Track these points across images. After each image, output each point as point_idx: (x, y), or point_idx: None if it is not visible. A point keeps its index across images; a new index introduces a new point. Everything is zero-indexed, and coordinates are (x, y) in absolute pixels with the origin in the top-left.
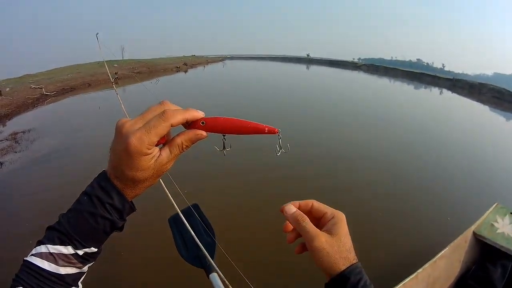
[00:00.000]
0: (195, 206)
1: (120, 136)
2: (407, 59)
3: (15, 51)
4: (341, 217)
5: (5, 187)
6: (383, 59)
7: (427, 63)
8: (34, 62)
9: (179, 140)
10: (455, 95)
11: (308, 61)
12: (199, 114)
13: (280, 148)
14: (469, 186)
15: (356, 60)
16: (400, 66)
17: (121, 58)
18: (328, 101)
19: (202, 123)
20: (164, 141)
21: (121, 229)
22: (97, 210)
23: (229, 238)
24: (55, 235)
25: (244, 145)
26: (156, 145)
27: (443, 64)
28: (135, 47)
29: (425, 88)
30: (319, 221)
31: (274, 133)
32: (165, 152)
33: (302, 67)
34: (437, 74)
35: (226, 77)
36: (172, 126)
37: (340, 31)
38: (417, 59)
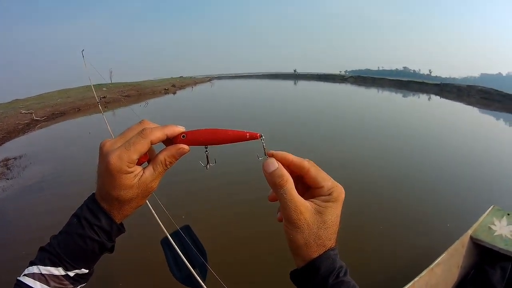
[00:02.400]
0: (187, 228)
1: (101, 156)
2: (394, 68)
3: (3, 76)
4: (339, 196)
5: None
6: (369, 69)
7: (414, 70)
8: (23, 86)
9: (161, 157)
10: (443, 100)
11: (296, 76)
12: (179, 128)
13: (265, 154)
14: (466, 190)
15: (343, 73)
16: (388, 75)
17: (110, 82)
18: (315, 115)
19: (183, 136)
20: (147, 159)
21: (111, 250)
22: (85, 231)
23: (220, 258)
24: (46, 256)
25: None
26: (139, 164)
27: (429, 70)
28: (123, 70)
29: (413, 95)
30: (311, 190)
31: (256, 138)
32: (149, 171)
33: (289, 83)
34: (425, 80)
35: (216, 97)
36: (152, 143)
37: (325, 45)
38: (403, 67)
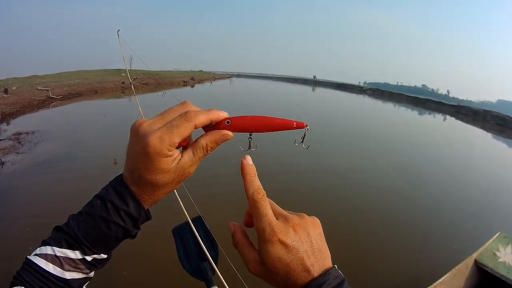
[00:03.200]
0: (199, 219)
1: (137, 136)
2: (413, 85)
3: (23, 51)
4: (268, 237)
5: (5, 189)
6: (388, 83)
7: (432, 89)
8: (41, 63)
9: (203, 141)
10: (458, 122)
11: (314, 83)
12: (224, 114)
13: (302, 141)
14: (474, 215)
15: (362, 84)
16: (406, 91)
17: (129, 68)
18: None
19: (227, 122)
20: (185, 144)
21: (134, 236)
22: (111, 216)
23: (233, 252)
24: (62, 237)
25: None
26: (177, 148)
27: (448, 91)
28: (143, 58)
29: (429, 114)
30: None
31: (302, 127)
32: (188, 155)
33: (308, 89)
34: (442, 101)
35: (235, 95)
36: (195, 127)
37: (347, 54)
38: (422, 85)
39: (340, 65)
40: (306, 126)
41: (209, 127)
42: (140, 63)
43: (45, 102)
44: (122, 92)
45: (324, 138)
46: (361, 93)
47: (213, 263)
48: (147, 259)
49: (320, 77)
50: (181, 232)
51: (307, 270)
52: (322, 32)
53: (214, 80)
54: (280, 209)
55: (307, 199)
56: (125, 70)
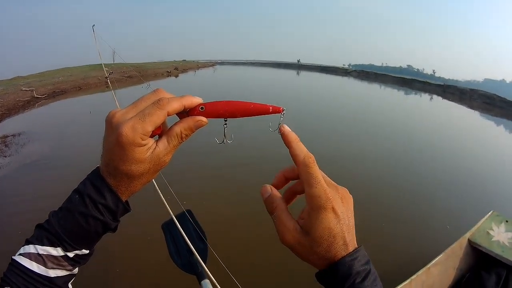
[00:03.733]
0: (189, 212)
1: (111, 127)
2: (398, 65)
3: (5, 53)
4: (323, 204)
5: None
6: (373, 65)
7: (418, 69)
8: (25, 64)
9: (177, 128)
10: (445, 101)
11: (299, 67)
12: (197, 99)
13: (277, 127)
14: (466, 194)
15: (346, 66)
16: (391, 72)
17: (112, 62)
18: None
19: (201, 108)
20: (160, 132)
21: (114, 230)
22: (89, 210)
23: (222, 244)
24: (43, 235)
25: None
26: (151, 137)
27: (433, 70)
28: (125, 51)
29: (415, 94)
30: None
31: (279, 112)
32: (162, 143)
33: (292, 73)
34: (428, 80)
35: (219, 82)
36: (168, 114)
37: (331, 36)
38: (407, 65)
39: (324, 49)
40: (283, 110)
41: (183, 113)
42: (124, 57)
43: (30, 103)
44: (106, 87)
45: (310, 124)
46: (346, 75)
47: (199, 257)
48: (140, 255)
49: (304, 61)
50: (170, 227)
51: (346, 244)
52: (304, 16)
53: (197, 69)
54: (326, 177)
55: None
56: (108, 64)
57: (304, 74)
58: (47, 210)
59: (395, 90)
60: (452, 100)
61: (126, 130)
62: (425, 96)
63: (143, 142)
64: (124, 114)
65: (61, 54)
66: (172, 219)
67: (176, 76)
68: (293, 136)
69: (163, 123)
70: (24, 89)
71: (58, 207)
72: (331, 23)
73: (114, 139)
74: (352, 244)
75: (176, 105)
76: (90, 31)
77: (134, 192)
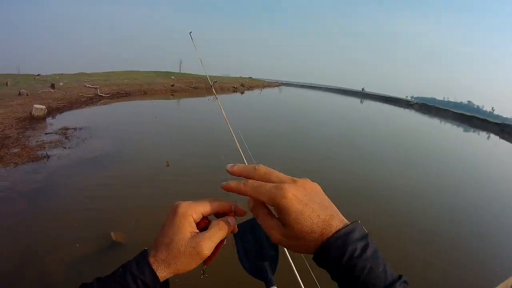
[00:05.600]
0: None
1: (172, 207)
2: (459, 101)
3: (71, 49)
4: (280, 194)
5: (52, 182)
6: (435, 98)
7: (478, 106)
8: (89, 61)
9: (216, 221)
10: (502, 141)
11: (363, 95)
12: (230, 206)
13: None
14: None
15: (409, 98)
16: (452, 107)
17: (179, 71)
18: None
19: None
20: (206, 224)
21: None
22: (127, 283)
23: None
24: None
25: None
26: (199, 228)
27: (492, 108)
28: (190, 62)
29: (474, 131)
30: None
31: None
32: (203, 233)
33: (356, 101)
34: (487, 118)
35: (286, 105)
36: (217, 210)
37: (394, 66)
38: (468, 101)
39: (388, 78)
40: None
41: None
42: (191, 68)
43: (93, 100)
44: (172, 95)
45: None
46: (408, 108)
47: (268, 264)
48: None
49: (368, 88)
50: (241, 231)
51: (328, 222)
52: (367, 44)
53: (263, 88)
54: (283, 174)
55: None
56: (174, 73)
57: (367, 103)
58: (107, 210)
59: (454, 126)
60: (510, 141)
61: (183, 204)
62: (483, 134)
63: (192, 220)
64: (186, 201)
65: (128, 57)
66: (245, 222)
67: (242, 92)
68: (236, 186)
69: (209, 223)
70: (87, 85)
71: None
72: (396, 53)
73: (171, 212)
74: (338, 220)
75: (222, 203)
76: (152, 36)
77: (173, 273)
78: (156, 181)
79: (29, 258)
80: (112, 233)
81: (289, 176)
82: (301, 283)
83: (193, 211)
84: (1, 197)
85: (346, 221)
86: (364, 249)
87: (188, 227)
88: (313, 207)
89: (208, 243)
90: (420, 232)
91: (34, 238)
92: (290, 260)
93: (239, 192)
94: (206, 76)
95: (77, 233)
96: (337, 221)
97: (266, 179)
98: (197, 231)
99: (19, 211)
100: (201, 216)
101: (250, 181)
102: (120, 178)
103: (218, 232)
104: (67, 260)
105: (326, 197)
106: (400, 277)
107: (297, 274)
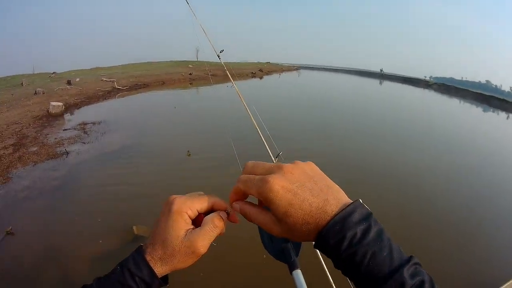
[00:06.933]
0: None
1: (166, 202)
2: (477, 80)
3: (86, 43)
4: (264, 186)
5: (73, 178)
6: (453, 78)
7: (496, 86)
8: (105, 55)
9: (209, 217)
10: None
11: (381, 76)
12: (225, 205)
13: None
14: None
15: (427, 78)
16: (470, 87)
17: (196, 59)
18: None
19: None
20: (199, 220)
21: None
22: (126, 280)
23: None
24: None
25: None
26: (194, 224)
27: (510, 87)
28: (208, 48)
29: (493, 112)
30: None
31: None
32: (197, 229)
33: (375, 82)
34: (506, 98)
35: (306, 89)
36: (211, 205)
37: (412, 46)
38: (486, 80)
39: (406, 58)
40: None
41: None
42: (207, 54)
43: (111, 93)
44: (190, 83)
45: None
46: (427, 88)
47: (292, 246)
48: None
49: (386, 69)
50: None
51: (322, 208)
52: (385, 24)
53: (281, 72)
54: (268, 164)
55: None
56: (192, 61)
57: (386, 84)
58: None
59: (474, 107)
60: None
61: (178, 200)
62: (502, 115)
63: (187, 217)
64: (180, 196)
65: (144, 48)
66: None
67: (261, 77)
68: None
69: (202, 214)
70: (104, 79)
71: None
72: (413, 33)
73: (166, 209)
74: (335, 204)
75: (218, 202)
76: (171, 25)
77: (168, 271)
78: (177, 172)
79: (52, 256)
80: (134, 227)
81: (276, 164)
82: (324, 266)
83: (188, 208)
84: (21, 196)
85: (344, 203)
86: (365, 232)
87: (183, 224)
88: (304, 196)
89: (203, 241)
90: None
91: (56, 235)
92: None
93: (237, 191)
94: (210, 43)
95: (100, 228)
96: (333, 205)
97: (253, 172)
98: (192, 227)
99: (39, 210)
100: (197, 213)
101: (241, 176)
102: (141, 170)
103: (213, 230)
104: (90, 257)
105: (322, 177)
106: (409, 259)
107: (320, 257)
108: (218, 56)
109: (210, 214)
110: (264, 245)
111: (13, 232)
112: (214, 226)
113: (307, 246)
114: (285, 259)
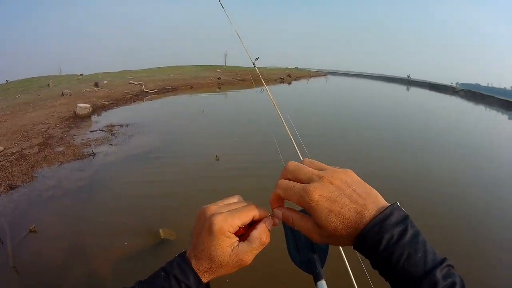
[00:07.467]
0: None
1: (204, 217)
2: (502, 86)
3: (114, 47)
4: (307, 196)
5: (99, 180)
6: (479, 84)
7: None
8: (132, 59)
9: (255, 233)
10: None
11: (409, 82)
12: (267, 213)
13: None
14: None
15: (454, 85)
16: (496, 93)
17: (224, 64)
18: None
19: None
20: (243, 233)
21: None
22: (172, 287)
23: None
24: None
25: None
26: (237, 235)
27: None
28: (235, 54)
29: None
30: None
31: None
32: (244, 243)
33: (402, 89)
34: None
35: (336, 95)
36: (254, 218)
37: (438, 52)
38: (511, 87)
39: (432, 64)
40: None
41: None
42: (236, 60)
43: (139, 96)
44: (218, 88)
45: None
46: (453, 95)
47: (317, 257)
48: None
49: (413, 76)
50: None
51: (361, 213)
52: (412, 30)
53: (310, 78)
54: (310, 170)
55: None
56: (220, 66)
57: (414, 90)
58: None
59: (499, 114)
60: None
61: (219, 219)
62: None
63: (229, 233)
64: (218, 208)
65: (169, 52)
66: None
67: (289, 83)
68: (275, 202)
69: (245, 227)
70: (132, 82)
71: (143, 279)
72: (437, 38)
73: (207, 225)
74: (373, 208)
75: (258, 213)
76: (197, 30)
77: (214, 277)
78: (205, 176)
79: (76, 257)
80: (160, 230)
81: (317, 171)
82: (352, 277)
83: (229, 226)
84: (46, 196)
85: (382, 206)
86: (402, 234)
87: (227, 242)
88: (343, 202)
89: (250, 256)
90: None
91: (80, 235)
92: (343, 253)
93: (278, 198)
94: (245, 51)
95: (126, 230)
96: (371, 209)
97: (294, 177)
98: (237, 239)
99: (64, 209)
100: (238, 228)
101: (280, 181)
102: (168, 173)
103: (259, 247)
104: (115, 258)
105: (360, 183)
106: (443, 261)
107: (348, 268)
108: (253, 64)
109: (257, 231)
110: (290, 254)
111: (36, 230)
112: (261, 243)
113: (334, 254)
114: (310, 270)
